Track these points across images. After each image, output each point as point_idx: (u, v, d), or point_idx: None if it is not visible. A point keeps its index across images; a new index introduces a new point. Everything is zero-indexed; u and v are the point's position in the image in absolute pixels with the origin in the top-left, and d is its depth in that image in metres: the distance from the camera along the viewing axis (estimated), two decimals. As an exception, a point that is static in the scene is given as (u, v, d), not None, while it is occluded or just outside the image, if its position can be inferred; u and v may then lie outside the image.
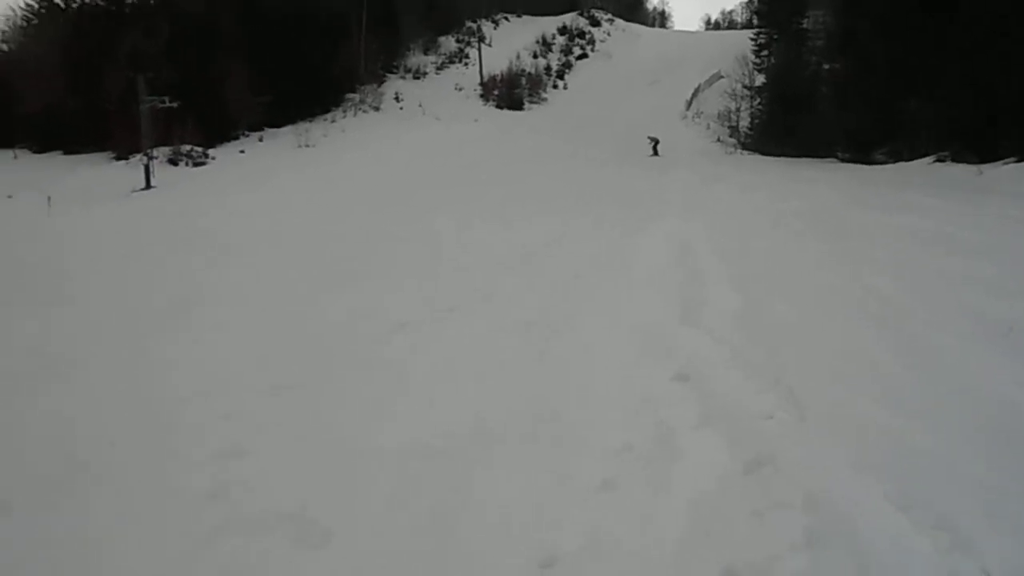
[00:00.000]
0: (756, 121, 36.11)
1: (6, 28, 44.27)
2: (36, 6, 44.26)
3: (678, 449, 3.92)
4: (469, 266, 9.66)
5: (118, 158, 35.93)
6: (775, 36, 36.29)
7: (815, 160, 26.18)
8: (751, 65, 37.86)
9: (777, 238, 10.31)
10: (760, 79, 37.03)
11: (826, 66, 30.86)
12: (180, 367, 6.19)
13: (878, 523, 3.06)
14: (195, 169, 34.87)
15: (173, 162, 34.81)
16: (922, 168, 19.98)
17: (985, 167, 17.12)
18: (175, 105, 32.43)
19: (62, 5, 44.67)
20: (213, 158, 36.53)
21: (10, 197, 27.94)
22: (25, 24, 43.71)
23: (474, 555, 3.24)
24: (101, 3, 44.72)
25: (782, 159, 27.86)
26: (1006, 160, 17.28)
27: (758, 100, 36.53)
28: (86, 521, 3.75)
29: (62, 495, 4.03)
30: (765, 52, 37.31)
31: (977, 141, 18.59)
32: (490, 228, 12.77)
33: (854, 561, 2.88)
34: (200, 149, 36.27)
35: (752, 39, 39.12)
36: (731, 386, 4.77)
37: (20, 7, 44.45)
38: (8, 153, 38.55)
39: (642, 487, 3.58)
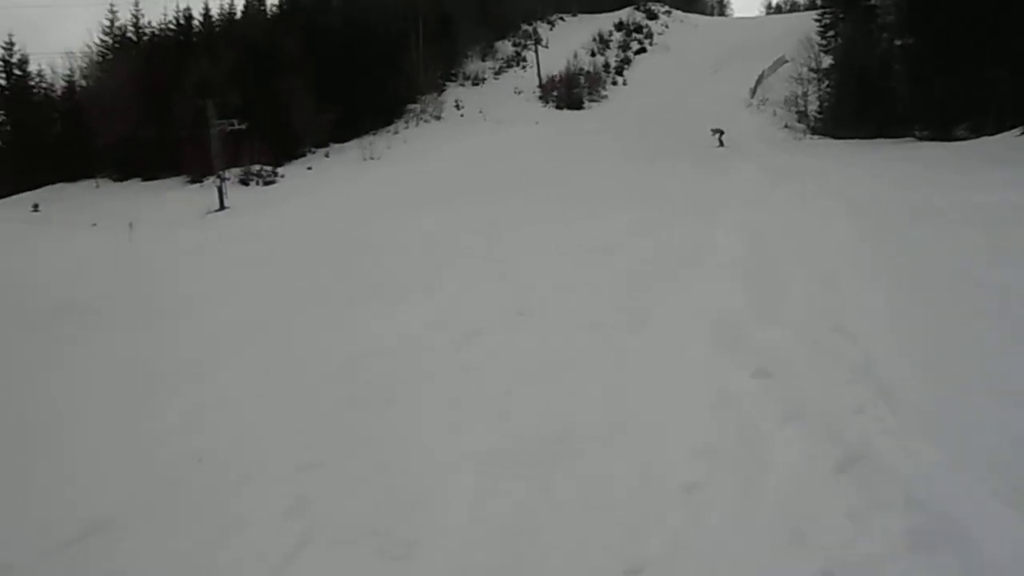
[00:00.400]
0: (825, 104, 34.95)
1: (83, 64, 46.39)
2: (110, 41, 46.33)
3: (764, 448, 3.77)
4: (538, 268, 9.59)
5: (192, 181, 37.31)
6: (841, 15, 35.08)
7: (890, 141, 25.17)
8: (817, 47, 36.72)
9: (856, 224, 9.89)
10: (827, 61, 35.86)
11: (898, 42, 29.62)
12: (254, 382, 6.31)
13: (988, 522, 2.85)
14: (265, 188, 35.90)
15: (244, 182, 35.92)
16: (1009, 141, 18.95)
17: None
18: (243, 127, 33.49)
19: (134, 39, 46.66)
20: (282, 176, 37.53)
21: (94, 225, 29.26)
22: (101, 59, 45.74)
23: (558, 563, 3.17)
24: (169, 35, 46.60)
25: (854, 142, 26.91)
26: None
27: (826, 83, 35.37)
28: (177, 537, 3.83)
29: (156, 511, 4.14)
30: (831, 33, 36.11)
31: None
32: (556, 228, 12.67)
33: (963, 564, 2.68)
34: (269, 168, 37.33)
35: (817, 20, 37.94)
36: (815, 379, 4.57)
37: (95, 43, 46.58)
38: (91, 183, 40.45)
39: (728, 488, 3.44)
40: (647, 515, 3.37)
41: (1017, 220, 8.63)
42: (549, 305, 7.56)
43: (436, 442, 4.48)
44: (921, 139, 24.56)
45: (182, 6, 48.34)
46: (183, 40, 45.78)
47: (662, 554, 3.08)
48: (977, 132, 22.24)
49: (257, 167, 36.80)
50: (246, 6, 49.60)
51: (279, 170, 37.93)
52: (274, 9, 49.65)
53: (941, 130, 23.94)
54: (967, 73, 21.97)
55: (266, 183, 36.49)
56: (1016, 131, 19.56)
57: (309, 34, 42.06)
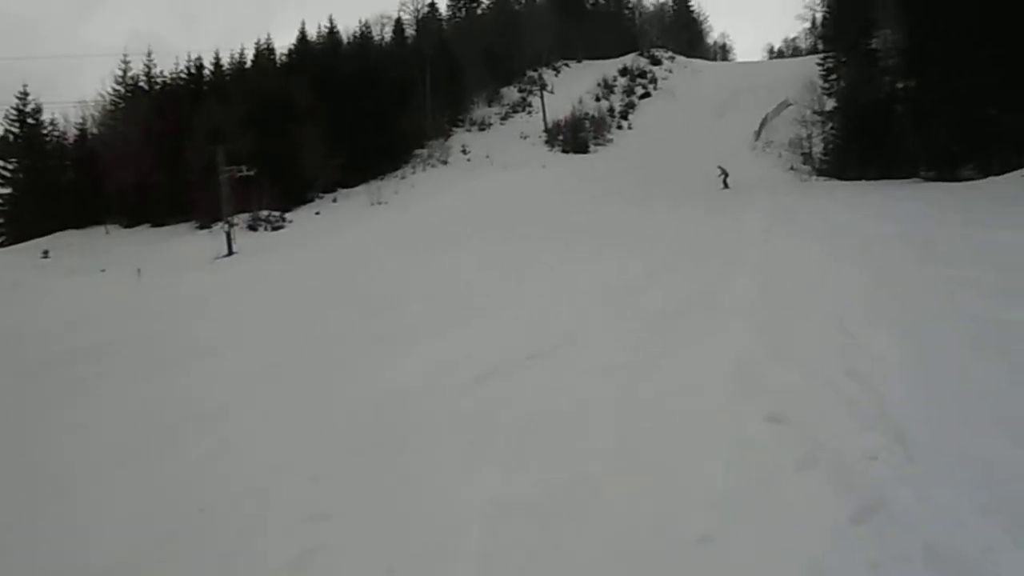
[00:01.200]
0: (830, 146, 35.20)
1: (96, 113, 47.20)
2: (123, 91, 47.18)
3: (779, 496, 3.67)
4: (546, 311, 9.56)
5: (201, 227, 37.63)
6: (843, 59, 35.52)
7: (896, 181, 25.25)
8: (819, 90, 37.11)
9: (870, 263, 9.85)
10: (830, 103, 36.20)
11: (900, 84, 29.91)
12: (260, 431, 6.24)
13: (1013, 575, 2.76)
14: (274, 233, 36.17)
15: (252, 227, 36.20)
16: (1017, 181, 18.96)
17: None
18: (252, 173, 33.84)
19: (146, 87, 47.51)
20: (290, 221, 37.83)
21: (103, 271, 29.45)
22: (113, 108, 46.52)
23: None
24: (181, 83, 47.44)
25: (860, 183, 27.01)
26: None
27: (830, 125, 35.66)
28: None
29: (154, 564, 4.06)
30: (833, 76, 36.53)
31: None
32: (565, 271, 12.68)
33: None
34: (278, 213, 37.65)
35: (819, 64, 38.40)
36: (830, 425, 4.48)
37: (108, 92, 47.44)
38: (100, 229, 40.84)
39: (744, 539, 3.35)
40: (661, 567, 3.27)
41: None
42: (559, 349, 7.50)
43: (448, 491, 4.39)
44: (927, 179, 24.62)
45: (193, 56, 49.05)
46: (194, 88, 46.58)
47: (677, 609, 2.98)
48: (984, 172, 22.26)
49: (266, 212, 37.13)
50: (256, 55, 50.56)
51: (287, 215, 38.25)
52: (284, 58, 50.61)
53: (947, 170, 23.98)
54: (970, 114, 22.09)
55: (274, 228, 36.78)
56: (1022, 171, 19.58)
57: (319, 81, 42.76)
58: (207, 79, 48.03)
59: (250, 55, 50.38)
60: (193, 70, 48.11)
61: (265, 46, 51.08)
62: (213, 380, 8.52)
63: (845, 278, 9.01)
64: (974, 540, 3.01)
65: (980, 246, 9.94)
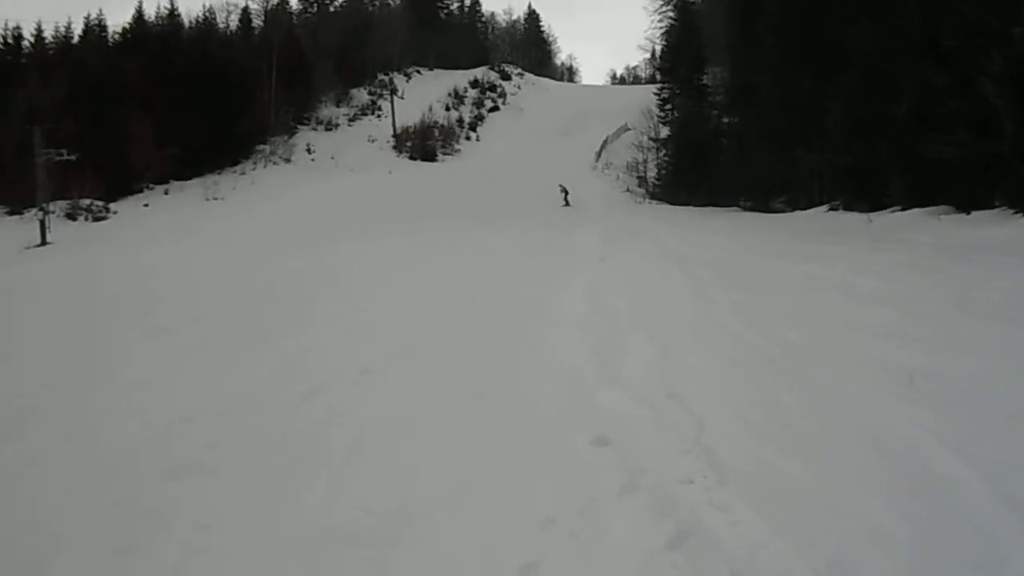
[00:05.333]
0: (663, 172, 37.27)
1: None
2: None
3: (602, 522, 3.80)
4: (384, 322, 9.42)
5: (11, 213, 34.28)
6: (677, 91, 37.68)
7: (719, 209, 27.18)
8: (656, 118, 39.13)
9: (687, 288, 10.49)
10: (665, 131, 38.31)
11: (726, 120, 32.26)
12: (70, 447, 5.70)
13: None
14: (95, 224, 33.60)
15: (71, 217, 33.50)
16: (818, 216, 20.96)
17: (874, 215, 18.07)
18: (74, 158, 31.28)
19: (-50, 54, 42.70)
20: (115, 212, 35.28)
21: None
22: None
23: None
24: (-6, 52, 43.05)
25: (688, 208, 28.83)
26: (892, 208, 18.31)
27: (664, 152, 37.75)
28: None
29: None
30: (669, 106, 38.66)
31: (866, 190, 19.65)
32: (405, 280, 12.59)
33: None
34: (101, 203, 35.01)
35: (656, 94, 40.41)
36: (651, 449, 4.70)
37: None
38: None
39: (566, 568, 3.43)
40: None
41: (826, 288, 9.51)
42: (394, 362, 7.41)
43: (265, 520, 4.19)
44: (745, 209, 26.69)
45: (11, 25, 44.62)
46: (11, 60, 42.37)
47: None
48: (792, 206, 24.47)
49: (88, 201, 34.39)
50: (85, 30, 46.72)
51: (112, 206, 35.62)
52: (117, 37, 47.09)
53: (762, 202, 26.14)
54: (782, 152, 24.21)
55: (96, 219, 34.13)
56: (823, 207, 21.69)
57: (155, 65, 40.13)
58: (26, 52, 43.81)
59: (78, 30, 46.49)
60: (10, 40, 43.73)
61: (96, 22, 47.34)
62: (16, 385, 7.68)
63: (666, 299, 9.60)
64: (776, 564, 3.24)
65: (786, 275, 10.94)
